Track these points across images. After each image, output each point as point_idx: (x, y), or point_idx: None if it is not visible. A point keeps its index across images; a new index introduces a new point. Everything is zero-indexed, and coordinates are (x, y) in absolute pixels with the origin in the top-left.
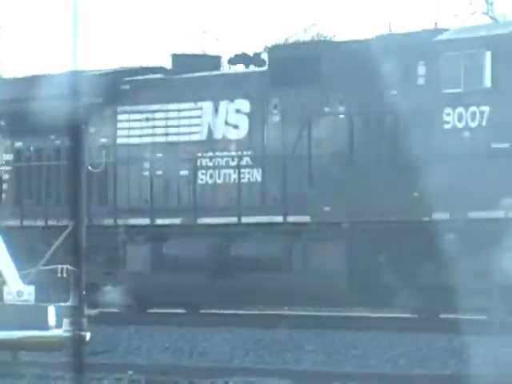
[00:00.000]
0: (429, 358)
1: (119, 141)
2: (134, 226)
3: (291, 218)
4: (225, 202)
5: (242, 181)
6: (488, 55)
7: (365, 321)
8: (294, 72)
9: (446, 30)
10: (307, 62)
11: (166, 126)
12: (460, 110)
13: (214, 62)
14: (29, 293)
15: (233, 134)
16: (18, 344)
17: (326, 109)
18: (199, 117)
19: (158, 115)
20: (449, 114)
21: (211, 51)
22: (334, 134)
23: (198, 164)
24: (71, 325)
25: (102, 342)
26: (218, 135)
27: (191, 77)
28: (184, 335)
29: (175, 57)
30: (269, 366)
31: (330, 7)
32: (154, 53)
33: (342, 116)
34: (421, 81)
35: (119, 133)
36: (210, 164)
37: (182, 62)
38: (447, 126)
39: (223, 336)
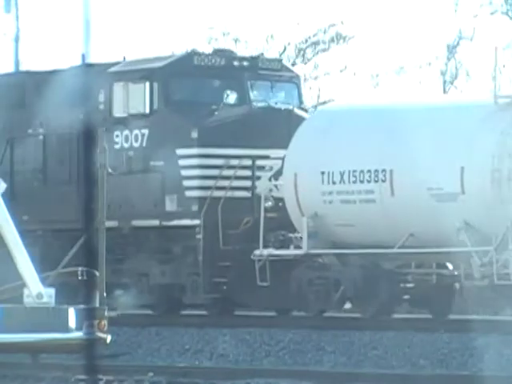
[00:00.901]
0: (448, 358)
1: None
2: None
3: None
4: None
5: None
6: (147, 85)
7: (383, 322)
8: (4, 98)
9: (119, 62)
10: (14, 89)
11: None
12: (126, 132)
13: None
14: (49, 295)
15: None
16: (38, 346)
17: (29, 130)
18: None
19: None
20: (118, 136)
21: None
22: (34, 153)
23: None
24: (90, 327)
25: (122, 344)
26: None
27: None
28: (204, 337)
29: None
30: (289, 367)
31: (349, 8)
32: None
33: (40, 137)
34: (101, 106)
35: None
36: None
37: None
38: (117, 146)
39: (243, 337)
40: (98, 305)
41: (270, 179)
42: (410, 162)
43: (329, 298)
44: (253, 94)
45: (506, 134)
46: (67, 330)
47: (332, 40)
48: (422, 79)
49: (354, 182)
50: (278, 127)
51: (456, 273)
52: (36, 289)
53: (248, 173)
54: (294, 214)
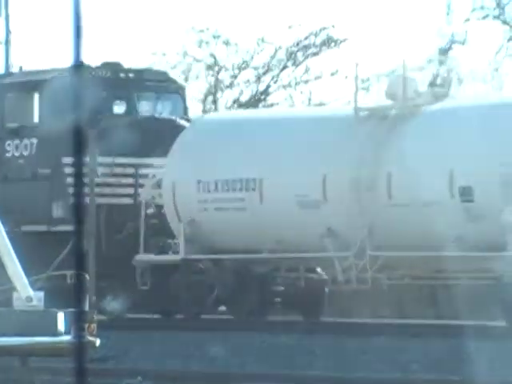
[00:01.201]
0: (439, 363)
1: None
2: None
3: None
4: None
5: None
6: (36, 96)
7: (373, 326)
8: None
9: (13, 74)
10: None
11: None
12: (17, 141)
13: None
14: (38, 298)
15: None
16: (27, 350)
17: None
18: None
19: None
20: (10, 145)
21: (220, 55)
22: None
23: None
24: (79, 330)
25: (111, 348)
26: None
27: None
28: (195, 340)
29: None
30: (280, 371)
31: (341, 11)
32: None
33: None
34: None
35: None
36: None
37: None
38: (8, 155)
39: (234, 341)
40: (87, 308)
41: (152, 187)
42: (278, 171)
43: (204, 301)
44: (139, 105)
45: (364, 145)
46: (56, 333)
47: (323, 43)
48: None
49: (227, 190)
50: (162, 137)
51: (325, 277)
52: (25, 292)
53: (131, 180)
54: (173, 220)
